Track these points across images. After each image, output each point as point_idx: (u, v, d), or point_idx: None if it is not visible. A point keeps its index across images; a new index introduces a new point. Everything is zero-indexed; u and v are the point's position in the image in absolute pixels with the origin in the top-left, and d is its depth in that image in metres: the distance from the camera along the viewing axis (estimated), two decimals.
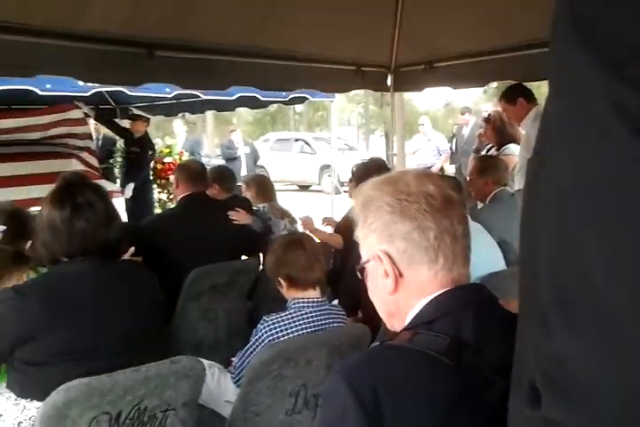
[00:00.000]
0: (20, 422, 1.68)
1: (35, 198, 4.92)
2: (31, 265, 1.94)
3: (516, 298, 0.64)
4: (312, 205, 11.16)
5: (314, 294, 2.26)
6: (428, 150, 9.38)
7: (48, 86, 5.08)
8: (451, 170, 9.01)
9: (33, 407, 1.66)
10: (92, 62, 3.23)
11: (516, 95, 4.08)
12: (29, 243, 1.94)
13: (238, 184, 4.89)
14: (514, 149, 4.54)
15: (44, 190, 4.74)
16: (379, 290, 1.06)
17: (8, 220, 1.89)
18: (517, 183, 4.03)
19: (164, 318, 1.95)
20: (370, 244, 1.06)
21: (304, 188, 17.58)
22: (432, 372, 0.92)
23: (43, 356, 1.64)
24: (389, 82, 4.86)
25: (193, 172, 3.44)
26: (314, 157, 17.46)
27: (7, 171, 5.72)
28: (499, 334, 0.96)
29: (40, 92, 5.05)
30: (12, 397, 1.70)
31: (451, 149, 9.01)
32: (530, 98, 4.08)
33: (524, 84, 4.16)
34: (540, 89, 7.39)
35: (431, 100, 31.09)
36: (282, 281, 2.28)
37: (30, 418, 1.66)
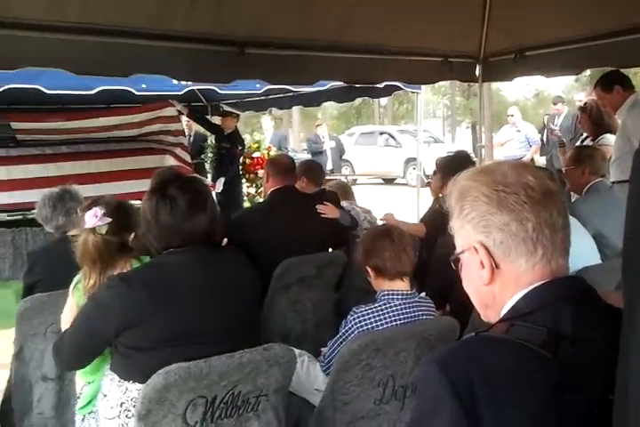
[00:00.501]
0: (122, 403, 1.76)
1: (131, 193, 5.18)
2: (134, 255, 2.04)
3: (613, 291, 0.63)
4: (397, 199, 11.13)
5: (402, 285, 2.27)
6: (517, 142, 9.10)
7: (143, 86, 5.29)
8: (541, 161, 8.72)
9: (135, 389, 1.73)
10: (186, 61, 3.34)
11: (612, 82, 3.91)
12: (133, 234, 2.04)
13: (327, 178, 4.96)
14: (611, 139, 4.35)
15: (140, 185, 4.97)
16: (474, 281, 1.06)
17: (113, 212, 1.99)
18: (613, 175, 3.85)
19: (260, 305, 2.01)
20: (465, 234, 1.05)
21: (389, 181, 17.50)
22: (530, 364, 0.90)
23: (146, 341, 1.71)
24: (478, 72, 4.75)
25: (282, 166, 3.50)
26: (399, 150, 17.37)
27: (105, 167, 6.05)
28: (598, 326, 0.94)
29: (136, 92, 5.26)
30: (115, 378, 1.79)
31: (541, 140, 8.70)
32: (627, 85, 3.90)
33: (621, 70, 3.97)
34: (638, 76, 7.04)
35: (520, 89, 30.14)
36: (370, 271, 2.30)
37: (132, 399, 1.73)
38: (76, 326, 1.83)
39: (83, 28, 2.87)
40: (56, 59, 2.95)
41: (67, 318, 2.03)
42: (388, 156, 17.26)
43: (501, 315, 1.03)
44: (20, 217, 5.90)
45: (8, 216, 5.84)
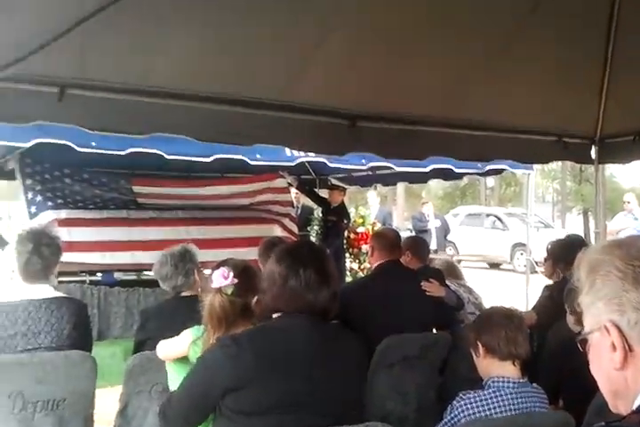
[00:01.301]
0: None
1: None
2: (254, 320, 2.07)
3: None
4: (503, 285, 10.73)
5: (512, 370, 2.14)
6: (633, 230, 8.65)
7: (258, 156, 5.49)
8: None
9: None
10: (302, 132, 3.46)
11: None
12: (256, 298, 2.08)
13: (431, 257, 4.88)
14: None
15: (248, 253, 5.10)
16: (603, 365, 0.96)
17: (240, 275, 2.05)
18: None
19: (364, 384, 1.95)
20: (596, 313, 0.97)
21: (494, 265, 16.99)
22: None
23: (250, 405, 1.69)
24: (593, 154, 4.60)
25: (388, 240, 3.49)
26: (506, 233, 16.92)
27: (218, 233, 6.28)
28: None
29: (250, 162, 5.47)
30: None
31: None
32: None
33: None
34: None
35: (636, 176, 28.93)
36: (480, 349, 2.20)
37: None
38: (185, 386, 1.85)
39: (210, 97, 3.03)
40: (182, 125, 3.13)
41: (166, 347, 2.12)
42: (494, 239, 16.84)
43: (634, 405, 0.92)
44: (134, 277, 6.19)
45: (124, 276, 6.14)
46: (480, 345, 2.20)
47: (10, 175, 6.18)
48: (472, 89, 3.56)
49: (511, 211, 20.06)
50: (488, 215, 18.61)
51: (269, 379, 1.70)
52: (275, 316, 1.88)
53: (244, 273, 2.09)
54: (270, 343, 1.77)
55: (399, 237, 3.64)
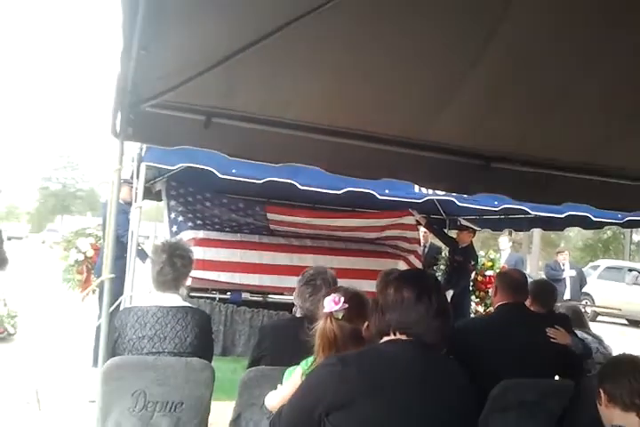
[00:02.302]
0: None
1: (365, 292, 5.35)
2: (364, 346, 2.08)
3: None
4: None
5: (636, 422, 2.00)
6: None
7: (387, 191, 5.56)
8: None
9: None
10: (434, 170, 3.49)
11: None
12: (366, 324, 2.12)
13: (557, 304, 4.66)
14: None
15: (371, 285, 5.17)
16: None
17: (350, 300, 2.12)
18: None
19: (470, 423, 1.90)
20: None
21: (634, 323, 15.75)
22: None
23: (352, 425, 1.70)
24: None
25: (514, 281, 3.39)
26: None
27: (343, 264, 6.41)
28: None
29: (379, 196, 5.55)
30: None
31: None
32: None
33: None
34: None
35: None
36: (602, 396, 2.12)
37: None
38: (292, 402, 1.90)
39: (344, 131, 3.16)
40: (314, 157, 3.27)
41: (280, 392, 2.14)
42: (635, 295, 15.66)
43: None
44: (260, 299, 6.43)
45: (250, 296, 6.40)
46: (602, 393, 2.11)
47: (157, 197, 6.69)
48: (615, 134, 3.42)
49: None
50: (630, 270, 17.34)
51: (369, 399, 1.70)
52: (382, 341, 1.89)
53: (355, 299, 2.15)
54: (374, 364, 1.78)
55: (525, 279, 3.51)
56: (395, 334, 1.85)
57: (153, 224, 10.19)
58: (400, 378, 1.76)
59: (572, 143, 3.48)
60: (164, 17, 2.09)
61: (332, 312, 2.08)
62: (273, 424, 2.02)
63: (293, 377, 2.21)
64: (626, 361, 2.17)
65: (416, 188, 5.56)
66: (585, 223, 6.52)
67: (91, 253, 7.16)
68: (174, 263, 2.79)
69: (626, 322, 15.87)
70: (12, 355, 6.59)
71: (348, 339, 2.09)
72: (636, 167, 3.75)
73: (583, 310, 7.91)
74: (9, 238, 23.49)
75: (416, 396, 1.74)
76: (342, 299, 2.08)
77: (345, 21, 2.30)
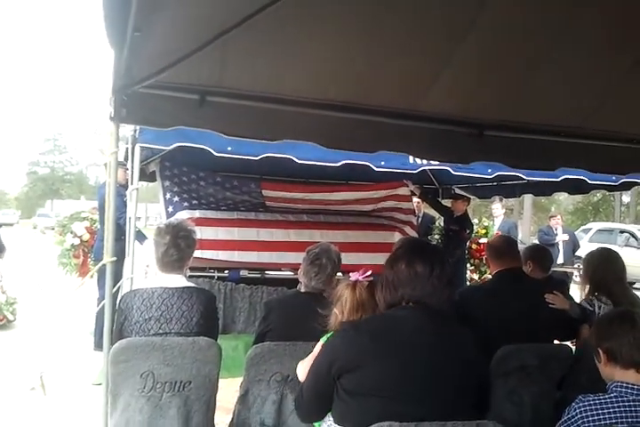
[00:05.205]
0: None
1: (359, 265, 5.39)
2: None
3: None
4: None
5: (636, 377, 2.06)
6: None
7: (382, 163, 5.57)
8: None
9: None
10: (429, 141, 3.49)
11: None
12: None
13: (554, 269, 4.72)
14: None
15: (368, 258, 5.19)
16: None
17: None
18: None
19: (479, 382, 1.94)
20: None
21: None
22: None
23: (362, 387, 1.77)
24: None
25: (497, 249, 3.49)
26: None
27: (340, 238, 6.42)
28: None
29: (375, 168, 5.56)
30: (332, 425, 1.88)
31: None
32: None
33: None
34: None
35: None
36: (601, 355, 2.16)
37: None
38: (310, 372, 1.98)
39: (338, 105, 3.15)
40: (310, 132, 3.26)
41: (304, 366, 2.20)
42: (627, 257, 15.74)
43: None
44: (258, 275, 6.48)
45: (249, 273, 6.44)
46: (601, 352, 2.15)
47: (151, 178, 6.66)
48: (609, 101, 3.43)
49: None
50: (622, 232, 17.53)
51: (379, 360, 1.77)
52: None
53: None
54: (385, 329, 1.85)
55: (508, 244, 3.57)
56: (406, 304, 1.92)
57: (143, 205, 10.13)
58: (411, 338, 1.82)
59: (565, 108, 3.50)
60: None
61: (358, 280, 2.21)
62: (297, 403, 2.11)
63: (316, 348, 2.27)
64: (622, 315, 2.21)
65: (410, 158, 5.56)
66: (578, 188, 6.56)
67: (87, 236, 7.18)
68: (178, 244, 2.80)
69: None
70: (13, 342, 6.62)
71: (374, 305, 2.16)
72: (628, 130, 3.78)
73: (577, 273, 8.00)
74: (0, 225, 23.37)
75: (425, 356, 1.80)
76: (369, 273, 2.22)
77: None
